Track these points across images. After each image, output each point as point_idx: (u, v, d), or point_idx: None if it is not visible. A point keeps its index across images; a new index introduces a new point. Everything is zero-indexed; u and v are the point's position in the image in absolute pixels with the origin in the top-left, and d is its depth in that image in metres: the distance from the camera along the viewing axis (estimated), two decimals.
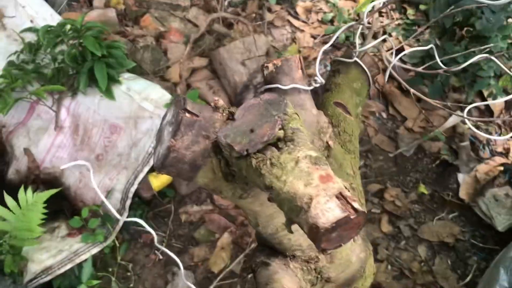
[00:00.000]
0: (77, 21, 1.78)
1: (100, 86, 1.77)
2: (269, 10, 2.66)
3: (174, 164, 0.71)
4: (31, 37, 2.17)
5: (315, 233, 0.58)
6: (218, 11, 2.56)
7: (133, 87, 1.88)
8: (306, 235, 0.61)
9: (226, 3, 2.65)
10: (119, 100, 1.87)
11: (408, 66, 1.52)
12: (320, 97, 1.40)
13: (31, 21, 2.33)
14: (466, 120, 1.29)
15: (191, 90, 2.09)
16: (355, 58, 1.34)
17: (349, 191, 0.61)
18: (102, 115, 1.91)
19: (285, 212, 0.64)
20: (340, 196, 0.59)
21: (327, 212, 0.57)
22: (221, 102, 0.76)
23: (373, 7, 1.40)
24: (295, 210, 0.61)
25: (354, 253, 1.07)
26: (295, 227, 0.66)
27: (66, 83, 1.95)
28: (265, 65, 1.13)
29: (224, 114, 0.74)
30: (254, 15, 2.63)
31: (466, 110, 1.27)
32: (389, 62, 1.36)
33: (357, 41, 1.36)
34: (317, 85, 1.17)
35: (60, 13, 2.42)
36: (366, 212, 0.63)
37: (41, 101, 1.94)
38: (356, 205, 0.58)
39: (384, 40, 2.57)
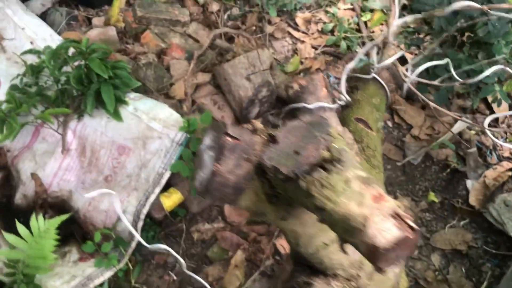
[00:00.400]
0: (82, 44, 1.77)
1: (108, 108, 1.76)
2: (269, 22, 2.66)
3: (219, 189, 0.71)
4: (31, 59, 2.15)
5: (373, 253, 0.59)
6: (218, 25, 2.56)
7: (140, 107, 1.87)
8: (363, 255, 0.60)
9: (225, 16, 2.65)
10: (127, 121, 1.86)
11: (425, 80, 1.52)
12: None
13: (31, 43, 2.31)
14: (487, 131, 1.29)
15: (203, 112, 2.08)
16: (373, 75, 1.34)
17: (402, 209, 0.61)
18: (109, 136, 1.89)
19: (338, 233, 0.65)
20: (396, 215, 0.59)
21: (384, 232, 0.58)
22: (259, 124, 0.76)
23: (385, 21, 1.40)
24: (349, 231, 0.61)
25: (390, 268, 1.07)
26: (335, 246, 0.66)
27: (71, 105, 1.93)
28: (290, 85, 1.13)
29: (263, 136, 0.75)
30: (254, 27, 2.63)
31: (486, 121, 1.27)
32: (406, 77, 1.36)
33: (375, 57, 1.36)
34: (342, 103, 1.17)
35: (59, 33, 2.41)
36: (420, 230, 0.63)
37: (46, 124, 1.91)
38: (412, 223, 0.59)
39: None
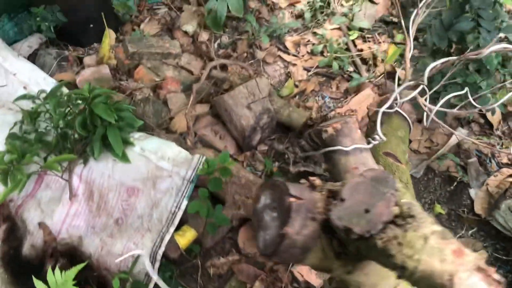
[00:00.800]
0: (84, 90, 1.75)
1: (116, 152, 1.74)
2: (259, 48, 2.69)
3: (287, 250, 0.72)
4: (26, 104, 2.12)
5: None
6: (210, 55, 2.57)
7: (147, 147, 1.86)
8: None
9: (215, 45, 2.67)
10: (135, 162, 1.84)
11: (444, 109, 1.56)
12: None
13: (24, 88, 2.28)
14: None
15: (205, 144, 2.09)
16: (397, 108, 1.37)
17: (483, 261, 0.62)
18: (117, 179, 1.87)
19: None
20: (479, 269, 0.60)
21: None
22: (318, 181, 0.76)
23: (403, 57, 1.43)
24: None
25: None
26: None
27: (75, 150, 1.90)
28: (324, 129, 1.14)
29: (323, 193, 0.75)
30: (245, 54, 2.65)
31: None
32: (429, 109, 1.39)
33: (397, 91, 1.38)
34: (377, 142, 1.19)
35: (51, 75, 2.38)
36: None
37: (50, 171, 1.88)
38: (497, 276, 0.59)
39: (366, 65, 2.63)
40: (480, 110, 2.34)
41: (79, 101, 1.77)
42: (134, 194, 1.87)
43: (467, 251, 0.61)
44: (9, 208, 2.05)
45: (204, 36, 2.63)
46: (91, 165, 1.90)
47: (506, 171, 2.17)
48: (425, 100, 1.46)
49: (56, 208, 1.92)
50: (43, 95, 2.10)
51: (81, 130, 1.75)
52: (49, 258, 1.91)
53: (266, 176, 2.17)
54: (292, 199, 0.70)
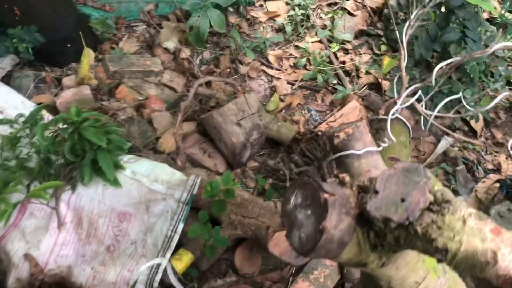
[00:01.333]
0: (72, 114, 1.68)
1: (107, 176, 1.67)
2: (242, 62, 2.66)
3: (325, 246, 0.72)
4: (2, 129, 2.02)
5: (510, 284, 0.62)
6: (192, 71, 2.53)
7: (138, 170, 1.79)
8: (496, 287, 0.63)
9: (197, 61, 2.63)
10: (126, 186, 1.78)
11: (441, 114, 1.57)
12: None
13: (1, 112, 2.18)
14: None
15: (195, 163, 2.03)
16: (397, 115, 1.38)
17: None
18: (108, 204, 1.80)
19: (462, 271, 0.68)
20: None
21: None
22: (347, 177, 0.77)
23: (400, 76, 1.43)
24: (478, 266, 0.65)
25: None
26: (426, 283, 0.69)
27: (62, 176, 1.82)
28: (336, 134, 1.14)
29: (354, 188, 0.76)
30: (228, 70, 2.62)
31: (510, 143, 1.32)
32: (427, 115, 1.40)
33: (400, 99, 1.39)
34: (386, 144, 1.20)
35: (28, 98, 2.28)
36: None
37: (34, 199, 1.79)
38: None
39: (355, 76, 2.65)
40: (464, 118, 2.40)
41: (67, 126, 1.69)
42: (126, 219, 1.80)
43: (503, 230, 0.65)
44: None
45: (185, 52, 2.59)
46: (79, 191, 1.81)
47: (493, 176, 2.21)
48: (422, 106, 1.48)
49: (42, 237, 1.83)
50: (22, 119, 2.01)
51: (70, 156, 1.68)
52: None
53: (258, 194, 2.14)
54: (326, 195, 0.70)
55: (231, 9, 2.83)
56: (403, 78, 1.49)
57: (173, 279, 0.96)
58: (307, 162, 2.06)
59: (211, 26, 2.46)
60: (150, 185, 1.76)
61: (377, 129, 1.46)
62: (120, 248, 1.82)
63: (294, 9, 2.86)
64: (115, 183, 1.74)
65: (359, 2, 3.04)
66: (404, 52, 1.53)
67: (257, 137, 2.19)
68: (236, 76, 2.59)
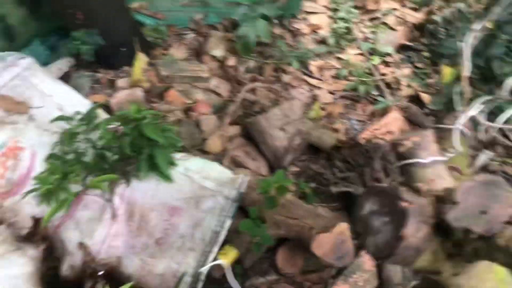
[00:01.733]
0: (132, 111, 1.79)
1: (162, 172, 1.76)
2: (284, 71, 2.76)
3: (402, 252, 0.75)
4: (60, 125, 2.15)
5: None
6: (238, 78, 2.63)
7: (191, 167, 1.89)
8: None
9: (242, 69, 2.74)
10: (178, 181, 1.87)
11: (505, 126, 1.58)
12: None
13: (60, 109, 2.31)
14: None
15: (239, 165, 2.12)
16: (459, 126, 1.42)
17: None
18: (160, 199, 1.90)
19: None
20: None
21: None
22: (425, 187, 0.80)
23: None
24: None
25: None
26: None
27: (117, 170, 1.92)
28: (401, 142, 1.19)
29: (429, 198, 0.79)
30: (271, 78, 2.72)
31: None
32: (491, 127, 1.44)
33: (469, 111, 1.43)
34: (452, 155, 1.24)
35: (85, 97, 2.42)
36: None
37: (93, 190, 1.90)
38: None
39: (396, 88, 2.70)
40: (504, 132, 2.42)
41: (126, 123, 1.80)
42: (176, 213, 1.89)
43: None
44: (47, 229, 2.06)
45: (232, 60, 2.70)
46: (133, 185, 1.92)
47: None
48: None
49: (96, 228, 1.93)
50: (79, 116, 2.14)
51: (129, 151, 1.78)
52: (88, 279, 1.91)
53: (299, 197, 2.20)
54: (405, 204, 0.75)
55: (275, 21, 2.93)
56: (466, 89, 1.52)
57: (231, 279, 1.02)
58: (349, 168, 2.12)
59: (257, 36, 2.57)
60: (201, 182, 1.85)
61: (440, 138, 1.50)
62: (169, 241, 1.90)
63: (336, 22, 2.95)
64: (169, 178, 1.83)
65: (400, 18, 3.10)
66: (468, 63, 1.57)
67: (299, 143, 2.26)
68: (279, 84, 2.67)
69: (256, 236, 1.68)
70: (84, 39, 2.26)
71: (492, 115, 1.96)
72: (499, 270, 0.94)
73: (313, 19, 3.04)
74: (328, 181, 2.10)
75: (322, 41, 2.95)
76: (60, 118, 2.20)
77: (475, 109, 1.48)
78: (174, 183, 1.88)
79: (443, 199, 0.77)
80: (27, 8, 2.53)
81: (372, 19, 3.11)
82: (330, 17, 3.05)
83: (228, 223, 1.82)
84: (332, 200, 2.13)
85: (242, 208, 1.93)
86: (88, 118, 2.09)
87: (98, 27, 2.35)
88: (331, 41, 2.87)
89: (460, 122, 1.43)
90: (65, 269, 1.94)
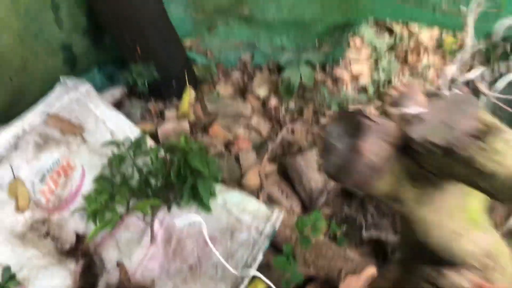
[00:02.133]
0: (181, 142, 1.92)
1: (204, 202, 1.87)
2: (323, 115, 2.86)
3: (359, 170, 0.72)
4: (110, 149, 2.30)
5: None
6: (278, 118, 2.75)
7: (230, 200, 1.99)
8: None
9: (283, 110, 2.86)
10: (216, 212, 1.96)
11: (503, 95, 1.57)
12: None
13: (111, 134, 2.48)
14: None
15: (273, 201, 2.21)
16: (456, 90, 1.41)
17: None
18: (197, 227, 1.99)
19: (506, 199, 0.67)
20: None
21: None
22: (393, 110, 0.79)
23: None
24: None
25: None
26: (468, 235, 0.69)
27: (160, 196, 2.04)
28: (388, 93, 1.16)
29: (399, 121, 0.77)
30: (310, 120, 2.82)
31: None
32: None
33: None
34: None
35: (135, 124, 2.58)
36: None
37: (137, 213, 2.02)
38: None
39: None
40: None
41: (174, 152, 1.93)
42: (212, 243, 1.98)
43: None
44: (88, 245, 2.18)
45: (274, 101, 2.83)
46: (173, 212, 2.02)
47: None
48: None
49: (135, 249, 2.04)
50: (128, 142, 2.29)
51: (175, 179, 1.90)
52: None
53: (329, 239, 2.25)
54: (366, 120, 0.71)
55: (318, 67, 3.06)
56: (467, 53, 1.47)
57: None
58: (382, 214, 2.17)
59: (300, 79, 2.70)
60: (237, 215, 1.95)
61: None
62: (202, 269, 1.99)
63: (377, 72, 3.05)
64: (209, 208, 1.93)
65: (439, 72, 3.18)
66: (470, 30, 1.55)
67: (334, 186, 2.33)
68: (317, 127, 2.77)
69: (287, 273, 1.74)
70: (141, 71, 2.44)
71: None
72: (473, 209, 0.85)
73: (355, 68, 3.15)
74: (360, 226, 2.15)
75: (363, 89, 3.05)
76: (111, 142, 2.36)
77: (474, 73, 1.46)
78: (212, 214, 1.98)
79: (412, 122, 0.73)
80: (91, 39, 2.75)
81: (412, 72, 3.20)
82: (372, 67, 3.15)
83: (260, 257, 1.89)
84: (362, 244, 2.17)
85: (272, 244, 2.00)
86: (137, 144, 2.23)
87: (154, 61, 2.54)
88: (370, 90, 2.96)
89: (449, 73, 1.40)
90: (101, 286, 2.05)
